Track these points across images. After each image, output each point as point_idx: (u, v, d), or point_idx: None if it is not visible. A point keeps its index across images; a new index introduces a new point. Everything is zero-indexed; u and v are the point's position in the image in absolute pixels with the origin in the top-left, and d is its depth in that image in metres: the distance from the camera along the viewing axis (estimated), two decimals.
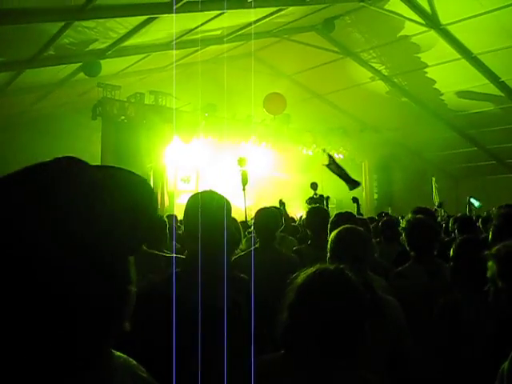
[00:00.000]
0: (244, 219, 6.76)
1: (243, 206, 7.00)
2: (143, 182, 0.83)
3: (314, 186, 10.44)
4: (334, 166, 9.72)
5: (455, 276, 2.61)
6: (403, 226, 3.38)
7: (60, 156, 0.77)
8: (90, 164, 0.79)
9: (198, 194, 2.14)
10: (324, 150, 10.95)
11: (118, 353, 0.89)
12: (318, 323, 1.40)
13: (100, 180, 0.77)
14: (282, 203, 6.64)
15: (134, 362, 0.94)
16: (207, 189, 2.17)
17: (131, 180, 0.82)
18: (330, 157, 10.08)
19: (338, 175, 9.60)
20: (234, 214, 2.22)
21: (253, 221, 4.10)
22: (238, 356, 1.77)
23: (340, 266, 1.56)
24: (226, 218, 2.04)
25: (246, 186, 7.13)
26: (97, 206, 0.74)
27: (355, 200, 7.95)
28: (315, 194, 10.11)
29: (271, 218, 3.75)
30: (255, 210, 4.02)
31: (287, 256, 3.71)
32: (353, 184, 9.29)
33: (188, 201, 2.12)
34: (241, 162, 7.40)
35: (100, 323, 0.75)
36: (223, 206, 2.07)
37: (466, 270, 2.48)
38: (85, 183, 0.75)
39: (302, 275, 1.53)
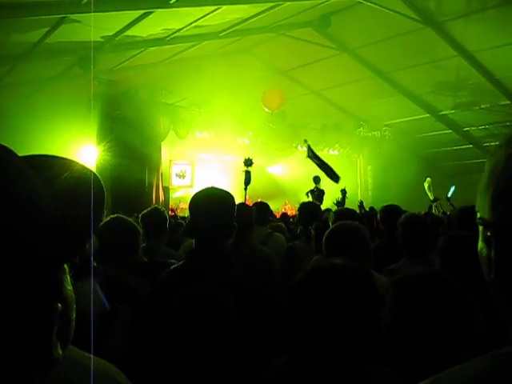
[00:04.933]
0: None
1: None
2: (84, 172, 0.66)
3: (316, 179, 10.09)
4: (316, 159, 9.52)
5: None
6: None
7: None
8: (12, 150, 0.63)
9: (200, 191, 2.12)
10: (305, 141, 10.49)
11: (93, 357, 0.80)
12: (320, 323, 1.36)
13: (21, 168, 0.62)
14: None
15: (113, 366, 0.85)
16: (209, 186, 2.16)
17: (66, 169, 0.66)
18: (310, 149, 9.81)
19: (320, 168, 9.40)
20: None
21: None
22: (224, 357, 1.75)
23: (335, 261, 1.54)
24: (224, 214, 2.03)
25: (248, 186, 7.18)
26: (7, 197, 0.58)
27: (344, 192, 7.88)
28: (316, 187, 9.83)
29: (242, 213, 3.64)
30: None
31: (262, 252, 3.50)
32: (336, 177, 9.13)
33: (191, 199, 2.11)
34: (247, 162, 7.36)
35: (15, 351, 0.60)
36: (223, 202, 2.06)
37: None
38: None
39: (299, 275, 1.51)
